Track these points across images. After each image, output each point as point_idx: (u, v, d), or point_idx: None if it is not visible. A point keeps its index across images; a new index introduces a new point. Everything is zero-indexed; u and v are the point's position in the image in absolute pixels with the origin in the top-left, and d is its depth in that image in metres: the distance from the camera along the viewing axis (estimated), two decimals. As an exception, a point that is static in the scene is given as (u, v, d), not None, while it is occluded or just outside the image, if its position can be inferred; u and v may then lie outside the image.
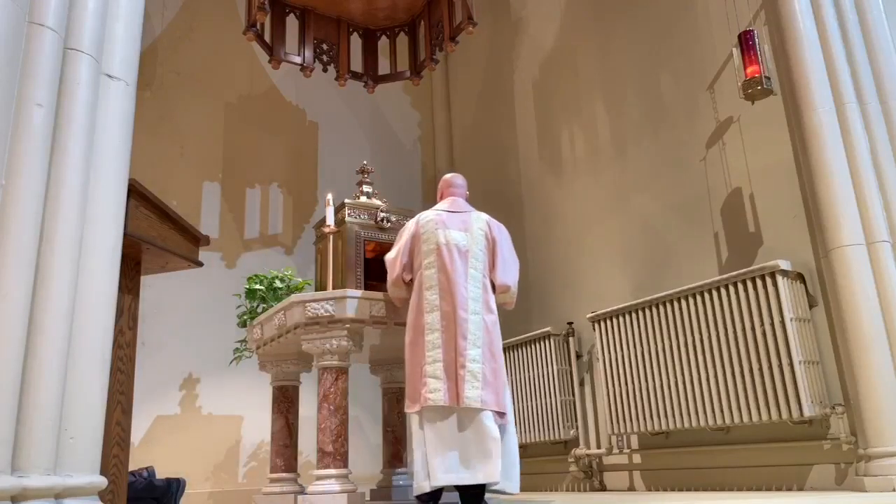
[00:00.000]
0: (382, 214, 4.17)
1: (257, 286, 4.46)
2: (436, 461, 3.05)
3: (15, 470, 1.54)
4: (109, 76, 1.96)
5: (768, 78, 3.71)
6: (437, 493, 3.20)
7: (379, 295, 3.66)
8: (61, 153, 1.75)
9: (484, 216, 3.59)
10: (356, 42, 5.89)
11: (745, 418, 3.64)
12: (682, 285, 4.09)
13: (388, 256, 3.60)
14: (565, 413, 4.83)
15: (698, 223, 4.34)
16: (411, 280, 3.49)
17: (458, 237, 3.45)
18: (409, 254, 3.50)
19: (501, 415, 3.18)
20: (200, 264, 2.46)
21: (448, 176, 3.85)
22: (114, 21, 2.02)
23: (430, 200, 6.41)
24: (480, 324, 3.29)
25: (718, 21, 4.30)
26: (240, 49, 6.15)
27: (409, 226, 3.58)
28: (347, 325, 3.54)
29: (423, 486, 3.07)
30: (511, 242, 3.62)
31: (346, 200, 4.18)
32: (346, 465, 3.48)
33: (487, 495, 3.18)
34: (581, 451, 4.77)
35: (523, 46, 6.16)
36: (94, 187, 1.84)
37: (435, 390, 3.12)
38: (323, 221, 4.16)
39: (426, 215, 3.55)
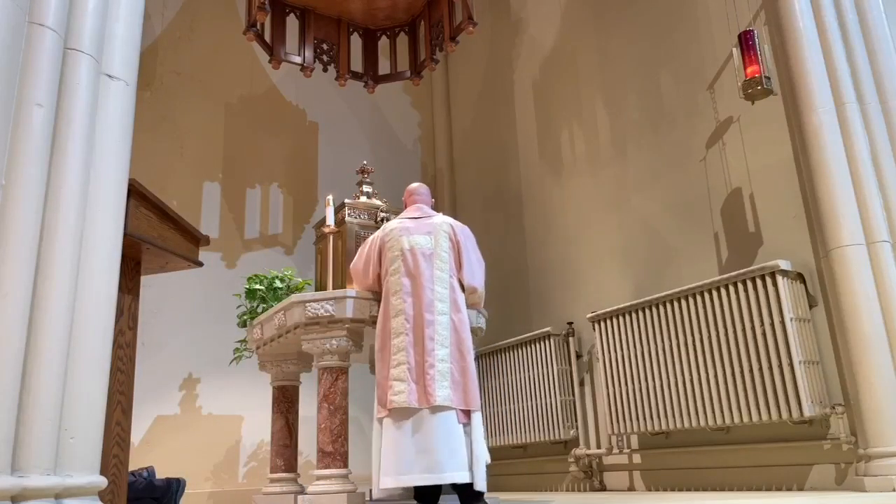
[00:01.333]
0: (382, 214, 4.17)
1: (257, 286, 4.46)
2: (401, 463, 3.09)
3: (15, 470, 1.54)
4: (109, 76, 1.96)
5: (768, 78, 3.71)
6: (436, 494, 3.21)
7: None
8: (61, 153, 1.75)
9: (448, 219, 3.63)
10: (356, 42, 5.90)
11: (745, 418, 3.64)
12: (682, 285, 4.09)
13: (355, 267, 3.66)
14: (565, 413, 4.83)
15: (698, 223, 4.34)
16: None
17: (422, 241, 3.49)
18: (379, 264, 3.55)
19: (467, 413, 3.21)
20: (200, 264, 2.45)
21: (412, 186, 3.87)
22: (114, 21, 2.02)
23: (430, 200, 6.40)
24: (448, 324, 3.34)
25: (718, 21, 4.30)
26: (240, 49, 6.15)
27: (375, 237, 3.63)
28: (347, 325, 3.54)
29: (379, 489, 3.15)
30: (476, 244, 3.66)
31: (346, 200, 4.18)
32: (346, 466, 3.48)
33: (486, 495, 3.18)
34: (581, 451, 4.77)
35: (523, 46, 6.16)
36: (94, 187, 1.84)
37: (399, 392, 3.17)
38: (323, 221, 4.16)
39: (390, 225, 3.60)
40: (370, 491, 4.30)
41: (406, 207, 3.75)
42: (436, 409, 3.14)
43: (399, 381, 3.20)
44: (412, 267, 3.41)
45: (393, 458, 3.11)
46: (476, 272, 3.57)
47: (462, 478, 3.06)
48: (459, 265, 3.51)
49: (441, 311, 3.34)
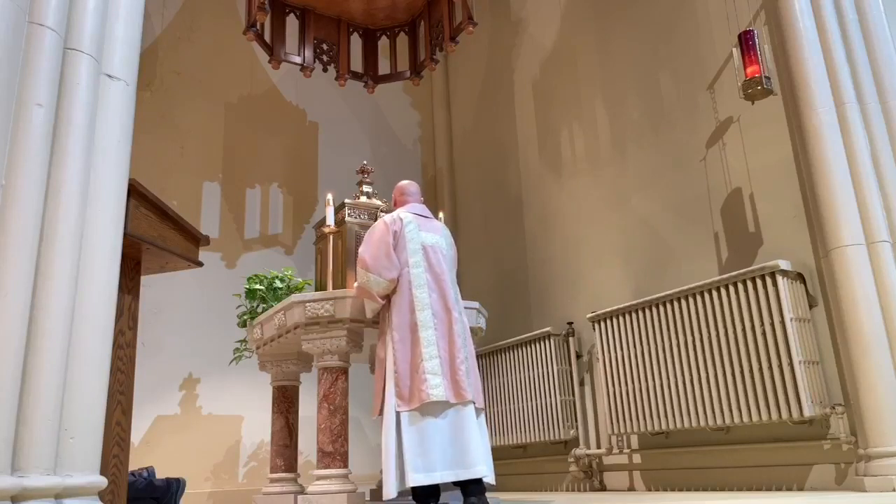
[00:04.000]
0: (382, 214, 4.17)
1: (257, 286, 4.46)
2: (432, 459, 3.06)
3: (15, 470, 1.54)
4: (109, 76, 1.96)
5: (768, 78, 3.71)
6: (436, 492, 3.21)
7: (379, 295, 3.66)
8: (61, 153, 1.75)
9: (445, 226, 3.70)
10: (356, 42, 5.90)
11: (745, 418, 3.64)
12: (682, 285, 4.09)
13: (374, 255, 3.36)
14: (565, 413, 4.83)
15: (698, 223, 4.34)
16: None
17: (437, 240, 3.51)
18: (395, 252, 3.40)
19: (479, 412, 3.29)
20: (200, 264, 2.45)
21: (403, 183, 3.82)
22: (114, 21, 2.02)
23: (429, 200, 6.41)
24: (465, 324, 3.41)
25: (718, 21, 4.30)
26: (240, 49, 6.15)
27: (385, 225, 3.44)
28: (347, 325, 3.54)
29: (398, 485, 3.07)
30: None
31: (346, 200, 4.18)
32: (346, 465, 3.48)
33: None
34: (581, 451, 4.77)
35: (523, 46, 6.16)
36: (94, 187, 1.84)
37: (436, 386, 3.13)
38: (323, 221, 4.16)
39: (406, 216, 3.51)
40: (370, 491, 4.30)
41: (398, 205, 3.71)
42: (462, 405, 3.17)
43: (434, 374, 3.15)
44: (434, 263, 3.40)
45: (423, 454, 3.06)
46: None
47: (484, 472, 3.10)
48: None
49: (459, 311, 3.40)
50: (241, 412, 5.46)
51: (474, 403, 3.22)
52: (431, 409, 3.13)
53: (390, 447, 3.11)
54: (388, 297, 3.38)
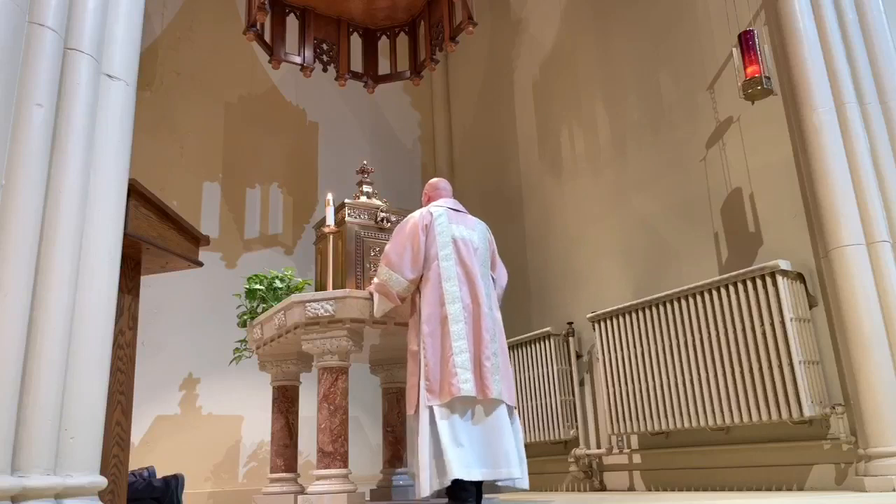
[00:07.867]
0: (382, 214, 4.17)
1: (257, 286, 4.46)
2: (464, 455, 3.00)
3: (15, 470, 1.54)
4: (109, 76, 1.96)
5: (768, 78, 3.71)
6: (479, 490, 3.15)
7: (379, 295, 3.65)
8: (61, 153, 1.75)
9: (481, 221, 3.69)
10: (356, 42, 5.90)
11: (745, 418, 3.64)
12: (682, 285, 4.09)
13: (397, 250, 3.38)
14: (565, 413, 4.83)
15: (698, 223, 4.34)
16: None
17: (469, 234, 3.50)
18: (425, 247, 3.37)
19: (511, 410, 3.24)
20: (200, 264, 2.45)
21: (435, 180, 3.85)
22: (114, 21, 2.02)
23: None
24: (495, 319, 3.38)
25: (718, 21, 4.30)
26: (240, 49, 6.15)
27: (415, 222, 3.43)
28: (347, 325, 3.53)
29: (434, 483, 2.98)
30: None
31: (346, 200, 4.18)
32: (346, 465, 3.48)
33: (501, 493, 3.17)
34: (581, 451, 4.77)
35: (523, 46, 6.16)
36: (94, 187, 1.84)
37: (466, 381, 3.09)
38: (323, 221, 4.16)
39: (436, 209, 3.50)
40: (370, 491, 4.30)
41: (430, 201, 3.71)
42: (493, 403, 3.14)
43: (464, 369, 3.12)
44: (465, 257, 3.37)
45: (457, 450, 2.99)
46: (504, 274, 3.71)
47: (517, 474, 3.05)
48: (493, 266, 3.61)
49: (489, 306, 3.35)
50: (241, 412, 5.46)
51: (505, 402, 3.16)
52: (462, 404, 3.10)
53: (425, 444, 3.04)
54: (416, 291, 3.37)
